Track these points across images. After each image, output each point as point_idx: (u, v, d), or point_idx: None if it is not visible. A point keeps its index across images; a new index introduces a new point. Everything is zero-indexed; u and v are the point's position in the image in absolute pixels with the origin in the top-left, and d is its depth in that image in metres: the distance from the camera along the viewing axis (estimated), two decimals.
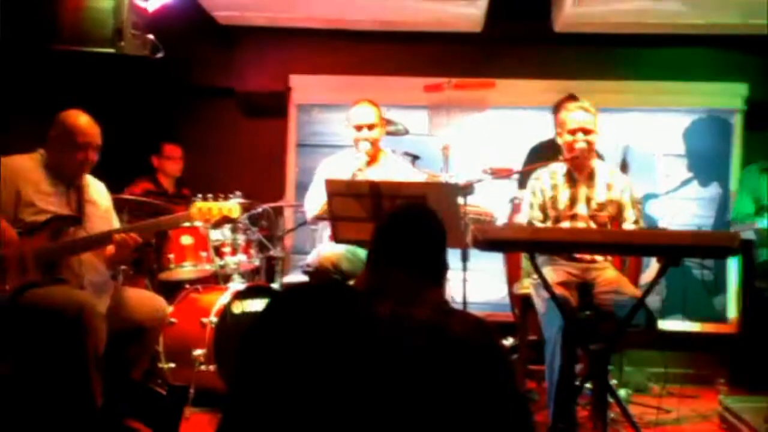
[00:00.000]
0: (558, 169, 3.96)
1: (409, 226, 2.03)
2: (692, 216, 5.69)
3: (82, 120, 3.49)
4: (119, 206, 4.38)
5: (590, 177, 3.94)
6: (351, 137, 4.30)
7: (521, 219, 4.07)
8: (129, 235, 3.43)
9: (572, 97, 4.83)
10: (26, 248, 3.31)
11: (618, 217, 3.92)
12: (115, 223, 3.72)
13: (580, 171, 3.93)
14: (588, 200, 3.90)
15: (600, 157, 4.22)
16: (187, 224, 4.33)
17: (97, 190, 3.66)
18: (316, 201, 4.18)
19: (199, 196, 3.62)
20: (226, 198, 3.63)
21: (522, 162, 5.14)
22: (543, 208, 3.94)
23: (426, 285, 1.96)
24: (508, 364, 2.00)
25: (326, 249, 4.06)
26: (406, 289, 1.92)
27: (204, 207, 3.57)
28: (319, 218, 4.24)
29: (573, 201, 3.91)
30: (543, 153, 4.92)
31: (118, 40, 4.07)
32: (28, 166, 3.46)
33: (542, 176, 3.98)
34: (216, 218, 3.62)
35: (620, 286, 3.73)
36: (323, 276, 3.83)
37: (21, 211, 3.35)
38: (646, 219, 5.28)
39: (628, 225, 3.88)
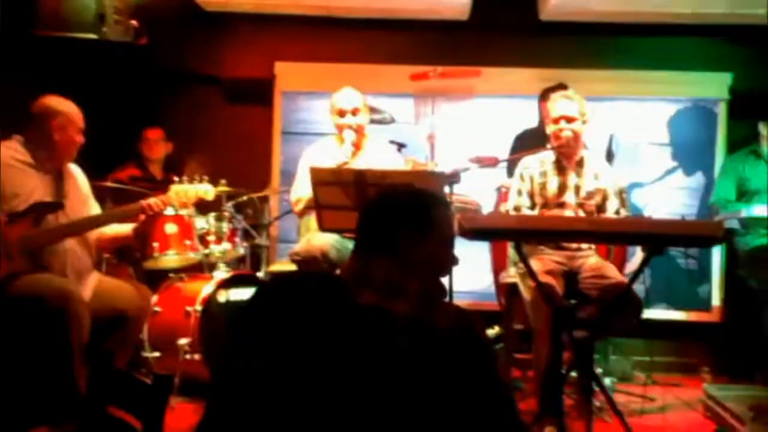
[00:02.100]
0: (547, 157, 3.96)
1: (390, 210, 1.92)
2: (677, 205, 5.72)
3: (72, 105, 3.51)
4: (102, 193, 4.35)
5: (579, 165, 3.94)
6: (334, 124, 4.21)
7: (508, 206, 4.06)
8: (154, 202, 3.48)
9: (562, 86, 4.83)
10: (10, 236, 3.27)
11: (604, 206, 3.93)
12: (95, 208, 3.70)
13: (569, 159, 3.93)
14: (577, 189, 3.90)
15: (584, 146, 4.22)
16: (171, 212, 4.33)
17: (75, 175, 3.64)
18: (301, 192, 4.13)
19: (176, 179, 3.64)
20: (201, 180, 3.64)
21: (508, 150, 5.14)
22: (531, 195, 3.94)
23: (409, 273, 1.88)
24: (491, 355, 1.97)
25: (314, 237, 4.04)
26: (388, 277, 1.87)
27: (180, 190, 3.58)
28: (306, 209, 4.20)
29: (562, 189, 3.91)
30: (528, 140, 4.92)
31: (100, 25, 4.03)
32: (5, 154, 3.42)
33: (531, 163, 3.98)
34: (192, 201, 3.65)
35: (606, 272, 3.74)
36: (311, 265, 3.81)
37: (4, 200, 3.32)
38: (631, 208, 5.30)
39: (610, 215, 3.89)
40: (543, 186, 3.92)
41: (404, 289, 1.88)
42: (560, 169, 3.93)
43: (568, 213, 3.85)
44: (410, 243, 1.87)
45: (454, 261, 1.98)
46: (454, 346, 1.83)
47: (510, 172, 4.84)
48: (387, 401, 1.75)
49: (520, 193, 3.97)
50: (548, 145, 3.96)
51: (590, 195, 3.90)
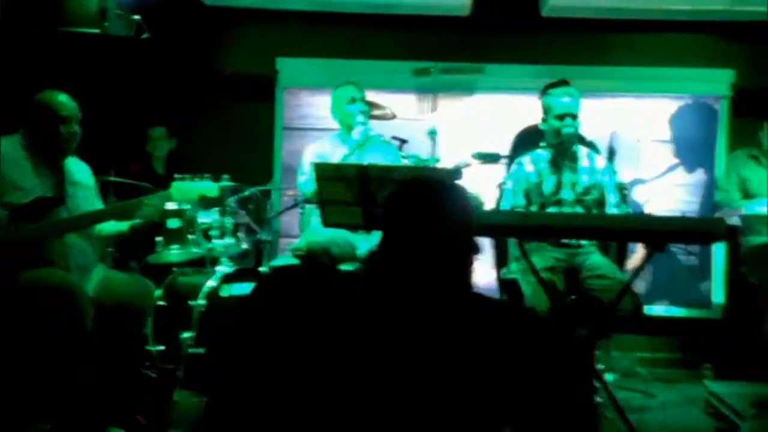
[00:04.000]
0: (541, 155, 3.96)
1: (413, 203, 1.87)
2: (678, 202, 5.72)
3: (60, 96, 3.50)
4: (104, 187, 4.36)
5: (573, 161, 3.94)
6: (345, 112, 4.35)
7: (503, 206, 4.06)
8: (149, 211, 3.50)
9: (563, 82, 4.82)
10: (12, 230, 3.28)
11: (602, 200, 3.94)
12: (98, 204, 3.71)
13: (563, 156, 3.93)
14: (573, 185, 3.91)
15: (583, 140, 4.22)
16: (173, 207, 4.34)
17: (79, 171, 3.64)
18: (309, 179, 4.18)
19: (177, 176, 3.64)
20: (203, 177, 3.65)
21: (510, 146, 5.13)
22: (527, 195, 3.94)
23: (433, 267, 1.84)
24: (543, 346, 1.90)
25: (315, 233, 4.05)
26: (416, 270, 1.84)
27: (182, 187, 3.59)
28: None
29: (558, 186, 3.91)
30: (533, 137, 4.91)
31: (102, 20, 4.03)
32: (9, 149, 3.43)
33: (525, 162, 3.98)
34: (194, 198, 3.67)
35: (607, 271, 3.75)
36: (313, 260, 3.83)
37: (7, 193, 3.33)
38: (632, 205, 5.31)
39: (611, 208, 3.89)
40: (539, 185, 3.92)
41: (431, 281, 1.85)
42: (556, 166, 3.93)
43: (566, 210, 3.86)
44: (435, 235, 1.83)
45: (476, 249, 1.94)
46: (476, 341, 1.81)
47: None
48: (387, 396, 1.76)
49: (515, 193, 3.98)
50: (542, 143, 3.95)
51: (587, 190, 3.90)
